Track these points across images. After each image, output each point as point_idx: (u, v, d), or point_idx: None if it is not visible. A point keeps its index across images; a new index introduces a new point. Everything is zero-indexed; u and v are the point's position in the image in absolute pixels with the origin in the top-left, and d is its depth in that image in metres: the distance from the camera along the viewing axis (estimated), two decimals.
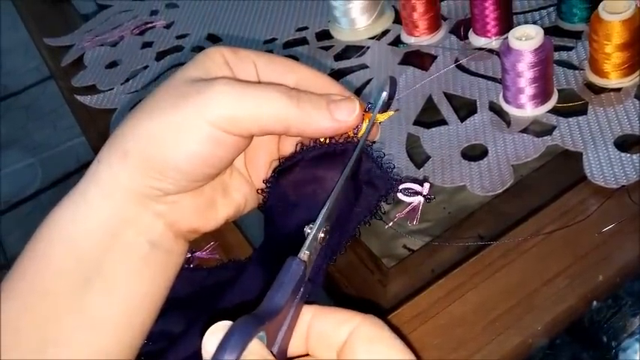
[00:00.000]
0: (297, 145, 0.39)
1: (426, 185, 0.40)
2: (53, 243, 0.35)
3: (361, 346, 0.28)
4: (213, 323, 0.26)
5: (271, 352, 0.26)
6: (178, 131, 0.35)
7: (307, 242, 0.32)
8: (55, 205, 0.37)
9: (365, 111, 0.38)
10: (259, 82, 0.38)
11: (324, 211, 0.33)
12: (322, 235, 0.33)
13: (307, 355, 0.30)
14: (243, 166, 0.42)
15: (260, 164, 0.41)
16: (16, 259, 0.36)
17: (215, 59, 0.38)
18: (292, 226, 0.37)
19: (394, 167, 0.38)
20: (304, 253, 0.31)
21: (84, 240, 0.35)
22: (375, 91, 0.58)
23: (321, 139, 0.38)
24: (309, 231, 0.32)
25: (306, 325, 0.30)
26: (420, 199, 0.40)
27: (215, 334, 0.25)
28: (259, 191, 0.41)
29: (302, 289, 0.30)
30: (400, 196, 0.39)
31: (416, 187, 0.40)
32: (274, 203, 0.39)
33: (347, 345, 0.29)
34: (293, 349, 0.30)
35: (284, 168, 0.39)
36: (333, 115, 0.37)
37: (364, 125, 0.38)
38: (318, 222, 0.33)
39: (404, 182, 0.39)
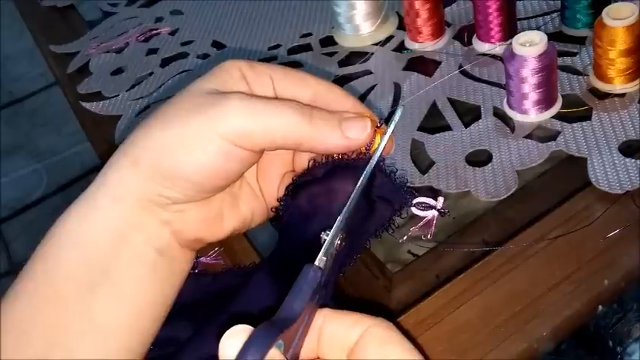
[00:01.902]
0: (309, 161, 0.39)
1: (440, 199, 0.40)
2: (62, 246, 0.36)
3: (372, 347, 0.28)
4: (225, 330, 0.26)
5: (286, 358, 0.27)
6: (190, 142, 0.35)
7: (324, 248, 0.32)
8: (65, 209, 0.37)
9: (377, 126, 0.38)
10: (275, 97, 0.39)
11: (341, 217, 0.33)
12: (339, 241, 0.33)
13: (318, 359, 0.30)
14: (255, 178, 0.42)
15: (273, 175, 0.41)
16: (23, 263, 0.36)
17: (232, 73, 0.38)
18: (305, 238, 0.37)
19: (407, 181, 0.38)
20: (321, 260, 0.31)
21: (92, 244, 0.35)
22: (379, 98, 0.58)
23: (334, 155, 0.38)
24: (325, 237, 0.32)
25: (318, 329, 0.30)
26: (434, 212, 0.40)
27: (232, 337, 0.26)
28: (273, 209, 0.41)
29: (317, 295, 0.30)
30: (414, 210, 0.39)
31: (430, 201, 0.40)
32: (288, 218, 0.39)
33: (358, 346, 0.29)
34: (305, 354, 0.30)
35: (298, 184, 0.39)
36: (345, 133, 0.37)
37: (377, 140, 0.38)
38: (335, 227, 0.33)
39: (417, 196, 0.39)
